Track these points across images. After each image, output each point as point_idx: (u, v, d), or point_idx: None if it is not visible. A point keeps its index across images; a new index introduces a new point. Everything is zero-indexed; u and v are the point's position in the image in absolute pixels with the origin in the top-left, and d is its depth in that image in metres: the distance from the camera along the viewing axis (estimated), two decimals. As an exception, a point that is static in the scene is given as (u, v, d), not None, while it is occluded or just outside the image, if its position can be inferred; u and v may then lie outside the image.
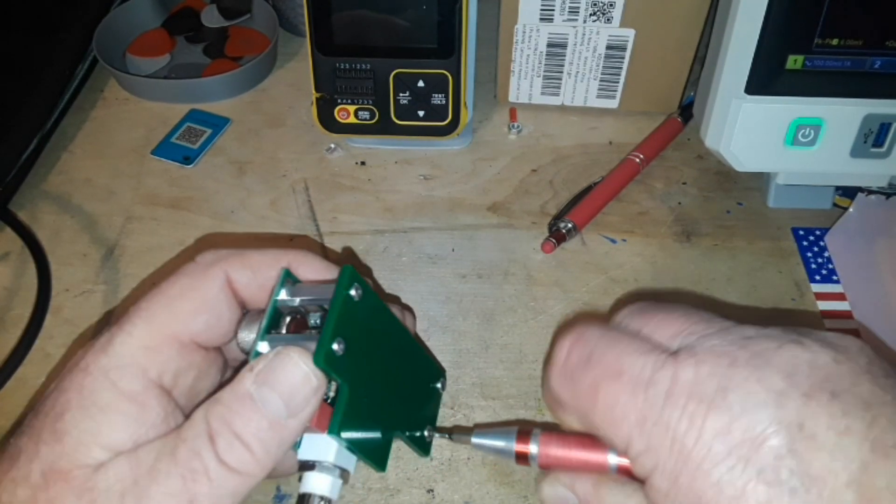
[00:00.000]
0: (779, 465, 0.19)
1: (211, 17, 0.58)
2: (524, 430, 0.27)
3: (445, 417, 0.36)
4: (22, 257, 0.43)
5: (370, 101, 0.46)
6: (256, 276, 0.27)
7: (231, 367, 0.30)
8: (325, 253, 0.43)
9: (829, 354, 0.21)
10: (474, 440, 0.28)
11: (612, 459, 0.25)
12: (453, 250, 0.43)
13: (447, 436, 0.30)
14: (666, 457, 0.21)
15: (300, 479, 0.26)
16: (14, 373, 0.38)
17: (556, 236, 0.42)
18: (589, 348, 0.24)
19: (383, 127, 0.47)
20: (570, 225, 0.43)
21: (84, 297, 0.41)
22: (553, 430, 0.27)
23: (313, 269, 0.28)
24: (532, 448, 0.26)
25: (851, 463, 0.19)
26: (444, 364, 0.38)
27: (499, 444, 0.27)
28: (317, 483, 0.25)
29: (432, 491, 0.34)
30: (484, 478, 0.34)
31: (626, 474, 0.24)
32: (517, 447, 0.27)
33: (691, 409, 0.21)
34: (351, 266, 0.26)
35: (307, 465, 0.25)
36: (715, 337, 0.22)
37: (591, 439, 0.26)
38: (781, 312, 0.40)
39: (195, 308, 0.26)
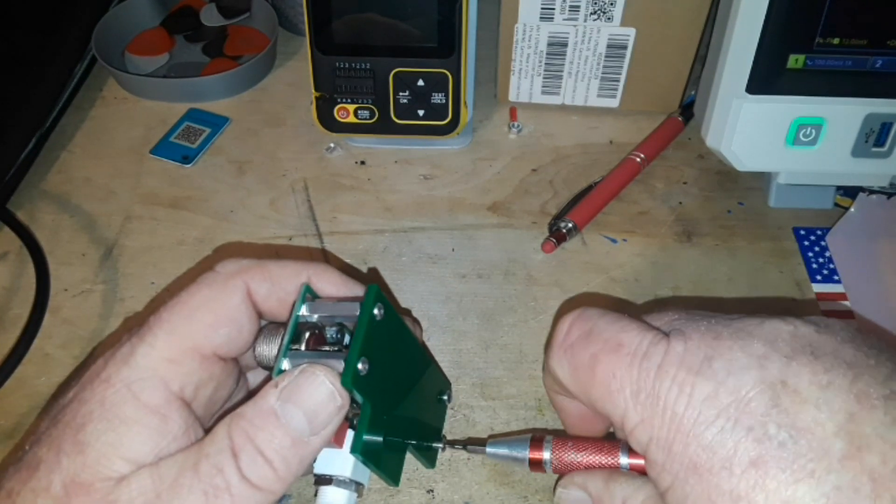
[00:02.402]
0: (766, 421, 0.20)
1: (210, 16, 0.57)
2: (537, 437, 0.28)
3: (446, 418, 0.36)
4: (21, 257, 0.43)
5: (370, 101, 0.46)
6: (276, 288, 0.27)
7: (245, 374, 0.29)
8: (325, 258, 0.43)
9: (811, 327, 0.22)
10: (489, 450, 0.29)
11: (624, 460, 0.25)
12: (453, 250, 0.43)
13: (462, 447, 0.30)
14: (659, 426, 0.21)
15: (316, 493, 0.26)
16: (13, 372, 0.38)
17: (557, 236, 0.42)
18: (590, 325, 0.25)
19: (383, 126, 0.47)
20: (570, 225, 0.43)
21: (83, 297, 0.41)
22: (565, 436, 0.28)
23: (332, 284, 0.28)
24: (545, 454, 0.27)
25: (837, 414, 0.20)
26: (444, 364, 0.38)
27: (512, 452, 0.28)
28: (334, 497, 0.25)
29: (432, 491, 0.34)
30: (484, 478, 0.34)
31: (639, 472, 0.25)
32: (531, 454, 0.28)
33: (680, 378, 0.21)
34: (377, 286, 0.26)
35: (324, 480, 0.25)
36: (703, 320, 0.23)
37: (602, 442, 0.27)
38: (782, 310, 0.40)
39: (217, 320, 0.26)
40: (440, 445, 0.31)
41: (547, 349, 0.28)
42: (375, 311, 0.25)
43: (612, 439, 0.27)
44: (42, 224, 0.45)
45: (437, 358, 0.38)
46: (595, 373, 0.24)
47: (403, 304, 0.41)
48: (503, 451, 0.28)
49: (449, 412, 0.36)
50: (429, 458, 0.31)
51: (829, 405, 0.20)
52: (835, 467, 0.19)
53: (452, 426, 0.36)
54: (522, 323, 0.40)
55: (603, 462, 0.26)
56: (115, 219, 0.45)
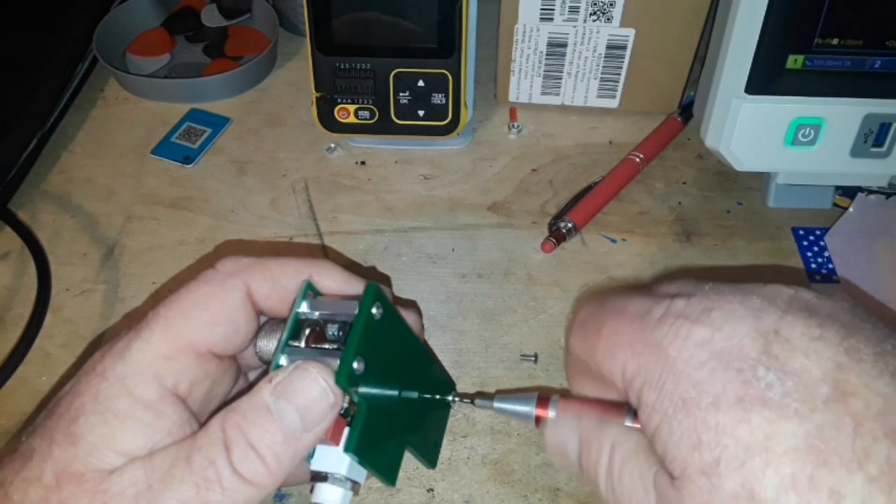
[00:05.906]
0: (755, 365, 0.21)
1: (211, 17, 0.58)
2: (544, 395, 0.29)
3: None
4: (22, 257, 0.43)
5: (370, 101, 0.46)
6: (276, 287, 0.27)
7: (244, 373, 0.30)
8: (325, 254, 0.43)
9: (812, 293, 0.23)
10: (496, 405, 0.30)
11: (628, 423, 0.26)
12: (453, 250, 0.43)
13: (470, 401, 0.31)
14: (653, 369, 0.22)
15: (311, 489, 0.26)
16: (14, 372, 0.38)
17: (556, 236, 0.42)
18: (600, 303, 0.26)
19: (383, 126, 0.47)
20: (570, 225, 0.43)
21: (84, 297, 0.41)
22: (572, 396, 0.29)
23: (335, 281, 0.28)
24: (550, 412, 0.28)
25: (825, 362, 0.20)
26: (444, 364, 0.38)
27: (519, 408, 0.29)
28: (328, 495, 0.25)
29: (432, 490, 0.34)
30: (484, 477, 0.34)
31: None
32: (537, 411, 0.28)
33: (677, 325, 0.22)
34: (376, 284, 0.26)
35: (319, 476, 0.25)
36: (709, 284, 0.24)
37: (608, 404, 0.27)
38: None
39: (213, 318, 0.26)
40: (450, 398, 0.31)
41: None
42: (374, 311, 0.25)
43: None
44: (43, 224, 0.45)
45: (439, 358, 0.38)
46: (601, 335, 0.25)
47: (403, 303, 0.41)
48: (510, 406, 0.29)
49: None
50: (429, 458, 0.31)
51: (818, 354, 0.20)
52: (819, 408, 0.20)
53: (452, 425, 0.36)
54: (522, 323, 0.40)
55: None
56: (116, 219, 0.45)
